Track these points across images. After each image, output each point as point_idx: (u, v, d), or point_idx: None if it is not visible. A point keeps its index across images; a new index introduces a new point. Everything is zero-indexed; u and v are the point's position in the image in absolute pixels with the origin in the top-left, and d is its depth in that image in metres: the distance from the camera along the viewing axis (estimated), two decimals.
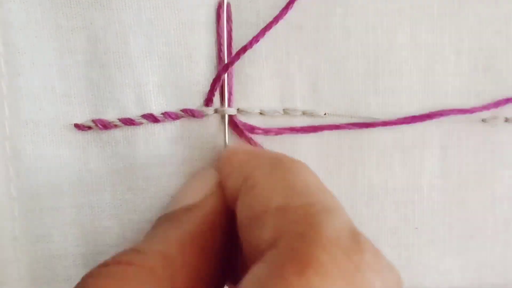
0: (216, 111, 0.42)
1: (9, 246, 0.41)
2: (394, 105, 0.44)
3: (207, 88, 0.42)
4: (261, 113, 0.43)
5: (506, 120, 0.45)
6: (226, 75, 0.42)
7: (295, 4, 0.41)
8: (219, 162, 0.40)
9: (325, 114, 0.43)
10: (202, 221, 0.38)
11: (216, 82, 0.41)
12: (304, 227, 0.30)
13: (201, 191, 0.39)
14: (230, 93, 0.42)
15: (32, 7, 0.39)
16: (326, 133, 0.44)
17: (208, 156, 0.42)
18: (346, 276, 0.28)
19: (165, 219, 0.38)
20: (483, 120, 0.45)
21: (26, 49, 0.40)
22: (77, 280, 0.42)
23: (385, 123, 0.43)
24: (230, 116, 0.42)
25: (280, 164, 0.35)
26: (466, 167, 0.45)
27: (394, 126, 0.44)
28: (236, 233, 0.37)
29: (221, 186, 0.39)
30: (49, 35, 0.40)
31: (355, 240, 0.30)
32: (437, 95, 0.44)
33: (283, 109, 0.43)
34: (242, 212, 0.35)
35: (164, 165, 0.42)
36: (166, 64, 0.41)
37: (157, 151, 0.42)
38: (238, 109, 0.42)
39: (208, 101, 0.42)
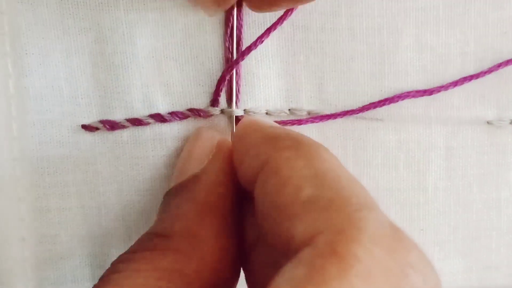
0: (222, 111, 0.42)
1: (16, 246, 0.41)
2: (399, 105, 0.44)
3: (214, 88, 0.42)
4: (267, 113, 0.43)
5: None
6: (235, 75, 0.42)
7: (301, 6, 0.41)
8: (233, 138, 0.39)
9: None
10: (212, 186, 0.37)
11: (221, 83, 0.41)
12: (344, 224, 0.27)
13: (205, 156, 0.38)
14: (237, 94, 0.42)
15: (40, 8, 0.39)
16: (330, 134, 0.44)
17: None
18: (390, 279, 0.26)
19: (175, 193, 0.37)
20: (488, 122, 0.45)
21: (34, 50, 0.40)
22: (84, 281, 0.43)
23: (346, 113, 0.43)
24: (237, 116, 0.42)
25: (303, 148, 0.33)
26: (471, 168, 0.45)
27: (398, 128, 0.44)
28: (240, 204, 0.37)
29: (222, 146, 0.38)
30: (56, 36, 0.40)
31: (398, 238, 0.28)
32: (442, 96, 0.44)
33: (289, 109, 0.43)
34: (264, 198, 0.32)
35: (171, 166, 0.42)
36: (173, 64, 0.41)
37: (164, 152, 0.42)
38: (244, 110, 0.42)
39: (214, 102, 0.42)
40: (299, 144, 0.33)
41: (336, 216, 0.28)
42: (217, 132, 0.42)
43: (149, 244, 0.34)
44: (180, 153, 0.42)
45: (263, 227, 0.33)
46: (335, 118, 0.43)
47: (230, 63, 0.41)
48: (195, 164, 0.38)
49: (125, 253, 0.35)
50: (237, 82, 0.42)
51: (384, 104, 0.43)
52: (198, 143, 0.40)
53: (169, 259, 0.33)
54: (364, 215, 0.28)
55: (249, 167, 0.34)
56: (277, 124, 0.39)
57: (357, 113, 0.43)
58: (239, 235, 0.37)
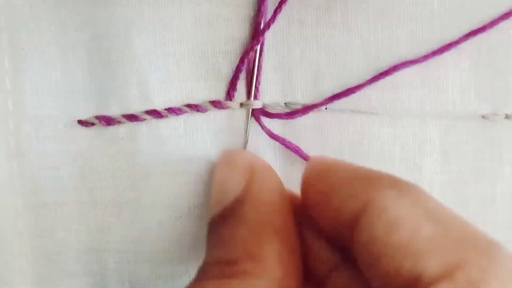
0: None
1: (13, 241, 0.41)
2: (394, 100, 0.44)
3: (209, 83, 0.42)
4: (264, 107, 0.43)
5: (506, 116, 0.45)
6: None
7: (296, 0, 0.42)
8: (304, 178, 0.38)
9: (325, 108, 0.43)
10: (260, 205, 0.36)
11: (237, 77, 0.42)
12: (483, 261, 0.28)
13: (242, 177, 0.38)
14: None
15: (37, 3, 0.40)
16: (325, 127, 0.44)
17: (213, 154, 0.42)
18: None
19: (223, 219, 0.37)
20: (483, 116, 0.45)
21: (31, 45, 0.40)
22: (80, 276, 0.43)
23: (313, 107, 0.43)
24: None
25: (403, 186, 0.33)
26: (466, 163, 0.45)
27: (394, 122, 0.44)
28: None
29: (257, 163, 0.38)
30: (53, 31, 0.40)
31: None
32: (437, 90, 0.44)
33: (285, 103, 0.43)
34: (371, 240, 0.31)
35: (167, 164, 0.42)
36: (169, 60, 0.41)
37: (161, 149, 0.42)
38: (241, 104, 0.42)
39: (229, 95, 0.42)
40: (398, 183, 0.33)
41: (473, 252, 0.29)
42: (245, 151, 0.42)
43: (215, 272, 0.34)
44: (211, 178, 0.42)
45: (368, 269, 0.32)
46: (304, 113, 0.43)
47: (242, 56, 0.42)
48: (233, 187, 0.37)
49: (192, 284, 0.34)
50: (237, 75, 0.42)
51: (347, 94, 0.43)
52: (231, 164, 0.39)
53: (238, 283, 0.33)
54: (499, 251, 0.28)
55: (344, 208, 0.33)
56: (343, 161, 0.38)
57: (325, 104, 0.43)
58: (301, 251, 0.37)
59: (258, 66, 0.42)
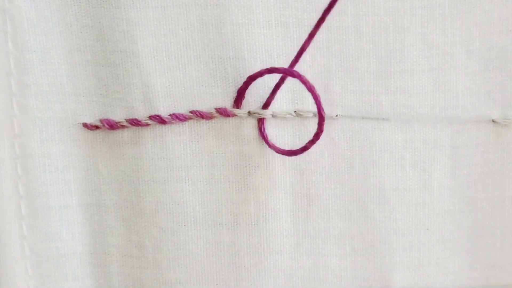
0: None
1: (17, 244, 0.41)
2: (405, 105, 0.43)
3: (216, 90, 0.41)
4: (273, 115, 0.42)
5: None
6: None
7: (307, 4, 0.41)
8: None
9: (336, 115, 0.43)
10: None
11: (247, 84, 0.41)
12: None
13: None
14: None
15: (42, 5, 0.40)
16: (337, 134, 0.43)
17: (218, 162, 0.42)
18: None
19: None
20: (493, 120, 0.44)
21: (36, 47, 0.40)
22: (85, 279, 0.43)
23: None
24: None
25: None
26: (476, 167, 0.45)
27: (404, 128, 0.44)
28: None
29: None
30: (58, 33, 0.40)
31: None
32: (448, 94, 0.44)
33: (295, 111, 0.43)
34: None
35: (171, 169, 0.42)
36: (174, 64, 0.41)
37: (164, 154, 0.42)
38: (249, 112, 0.42)
39: (237, 103, 0.42)
40: None
41: None
42: None
43: None
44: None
45: None
46: None
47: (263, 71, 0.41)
48: None
49: None
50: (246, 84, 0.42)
51: None
52: None
53: None
54: None
55: None
56: None
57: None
58: None
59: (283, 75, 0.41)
